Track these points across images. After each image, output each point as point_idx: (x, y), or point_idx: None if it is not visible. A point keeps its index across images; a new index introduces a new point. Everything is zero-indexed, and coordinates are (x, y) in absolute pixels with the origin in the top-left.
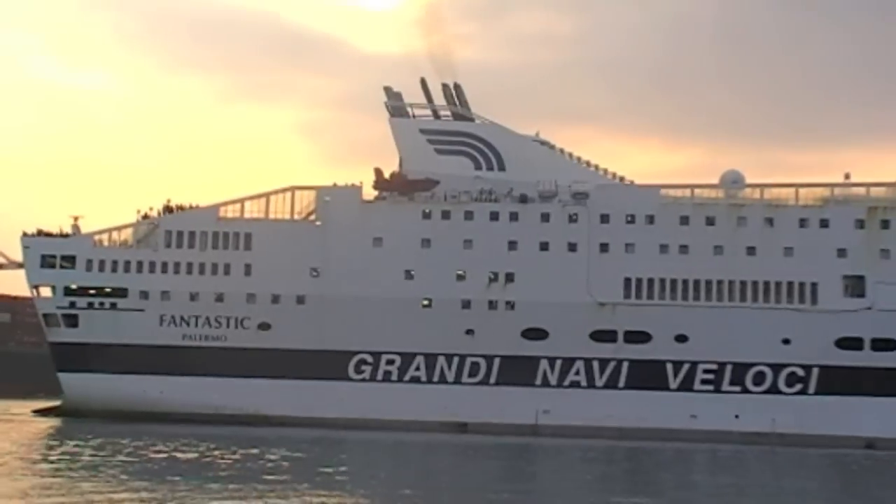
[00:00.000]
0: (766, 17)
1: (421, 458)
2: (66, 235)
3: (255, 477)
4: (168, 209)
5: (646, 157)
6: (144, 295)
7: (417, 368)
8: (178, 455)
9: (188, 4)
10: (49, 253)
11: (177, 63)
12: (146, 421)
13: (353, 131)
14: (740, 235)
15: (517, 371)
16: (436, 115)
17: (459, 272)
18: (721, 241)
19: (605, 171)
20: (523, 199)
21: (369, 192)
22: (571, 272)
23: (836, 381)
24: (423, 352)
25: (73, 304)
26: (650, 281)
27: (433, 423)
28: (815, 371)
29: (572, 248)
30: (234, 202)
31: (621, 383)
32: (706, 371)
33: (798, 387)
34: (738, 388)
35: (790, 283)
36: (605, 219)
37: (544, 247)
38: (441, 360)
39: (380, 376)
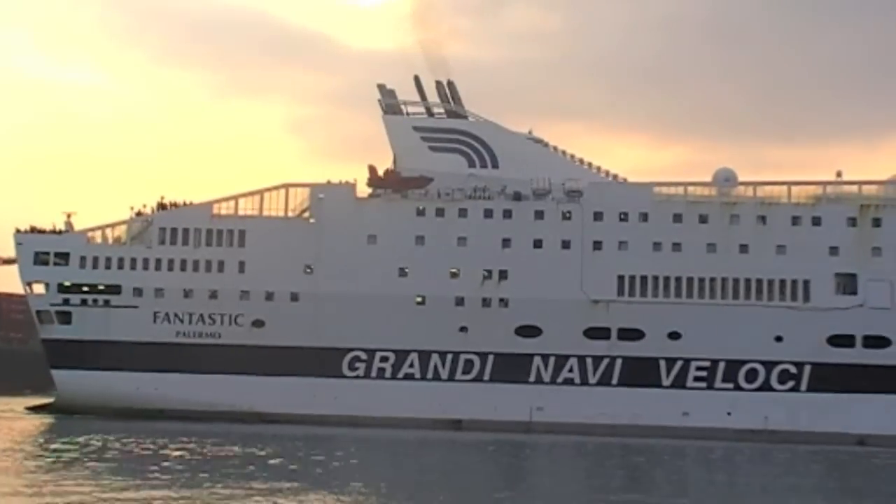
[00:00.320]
0: (756, 14)
1: (415, 455)
2: (60, 232)
3: (243, 475)
4: (162, 206)
5: (633, 153)
6: (138, 292)
7: (411, 365)
8: (167, 452)
9: (177, 1)
10: (42, 250)
11: (167, 59)
12: (140, 418)
13: (343, 127)
14: (733, 233)
15: (511, 368)
16: (429, 113)
17: (453, 269)
18: (714, 239)
19: (599, 168)
20: (517, 197)
21: (363, 190)
22: (565, 269)
23: (829, 379)
24: (417, 349)
25: (66, 301)
26: (643, 278)
27: (427, 420)
28: (808, 368)
29: (566, 245)
30: (227, 199)
31: (615, 380)
32: (699, 368)
33: (790, 384)
34: (730, 386)
35: (783, 281)
36: (598, 216)
37: (538, 244)
38: (435, 358)
39: (374, 373)
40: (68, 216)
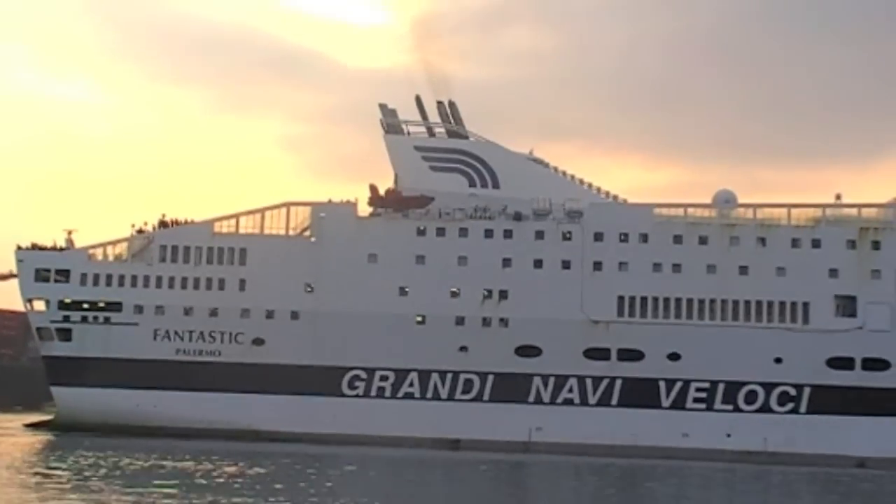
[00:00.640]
0: (755, 36)
1: (413, 475)
2: (61, 249)
3: (239, 492)
4: (163, 224)
5: (627, 173)
6: (139, 309)
7: (411, 384)
8: (163, 470)
9: (173, 17)
10: (43, 267)
11: (163, 75)
12: (139, 435)
13: (339, 146)
14: (733, 254)
15: (510, 388)
16: (430, 133)
17: (454, 289)
18: (714, 260)
19: (599, 189)
20: (517, 217)
21: (364, 209)
22: (565, 290)
23: (828, 401)
24: (417, 368)
25: (66, 318)
26: (643, 299)
27: (426, 440)
28: (807, 390)
29: (566, 265)
30: (228, 217)
31: (614, 401)
32: (698, 389)
33: (789, 406)
34: (730, 407)
35: (782, 303)
36: (598, 237)
37: (538, 264)
38: (435, 377)
39: (373, 392)
40: (69, 233)
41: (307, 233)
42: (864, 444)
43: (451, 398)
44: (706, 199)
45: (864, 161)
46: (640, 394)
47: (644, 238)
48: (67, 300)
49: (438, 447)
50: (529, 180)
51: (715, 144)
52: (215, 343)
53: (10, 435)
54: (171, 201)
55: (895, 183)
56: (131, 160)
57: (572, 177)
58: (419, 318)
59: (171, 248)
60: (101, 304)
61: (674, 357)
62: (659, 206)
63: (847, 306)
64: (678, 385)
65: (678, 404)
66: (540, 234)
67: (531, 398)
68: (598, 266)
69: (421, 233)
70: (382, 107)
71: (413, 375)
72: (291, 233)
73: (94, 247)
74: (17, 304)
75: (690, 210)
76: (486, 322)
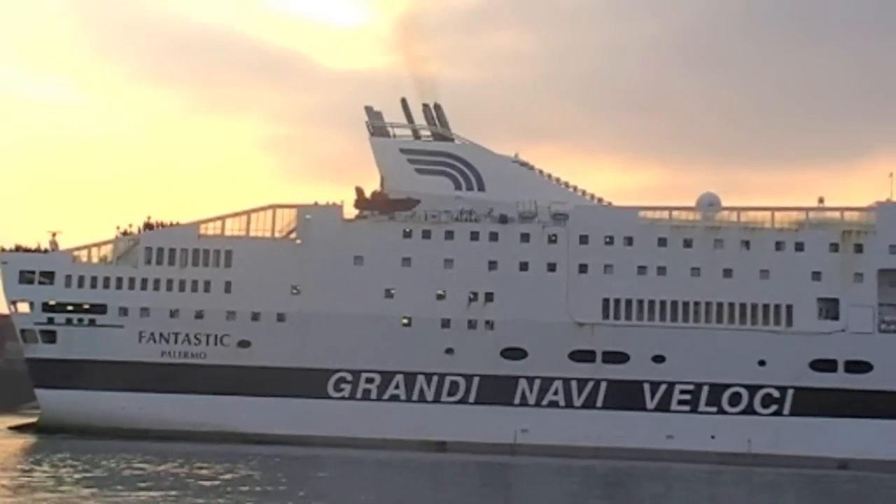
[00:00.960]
0: (735, 38)
1: (399, 477)
2: (45, 251)
3: (225, 495)
4: (148, 226)
5: (605, 175)
6: (124, 311)
7: (397, 387)
8: (146, 471)
9: (154, 18)
10: (28, 268)
11: (143, 76)
12: (124, 438)
13: (320, 147)
14: (717, 257)
15: (496, 390)
16: (416, 135)
17: (439, 291)
18: (698, 263)
19: (584, 192)
20: (503, 220)
21: (350, 211)
22: (551, 292)
23: (811, 403)
24: (403, 370)
25: (51, 320)
26: (628, 302)
27: (412, 442)
28: (790, 392)
29: (552, 268)
30: (214, 219)
31: (599, 403)
32: (683, 391)
33: (773, 408)
34: (714, 409)
35: (766, 305)
36: (584, 240)
37: (524, 267)
38: (420, 379)
39: (359, 394)
40: (53, 235)
41: (293, 235)
42: (846, 445)
43: (437, 400)
44: (686, 201)
45: (848, 163)
46: (625, 396)
47: (629, 241)
48: (52, 302)
49: (424, 449)
50: (515, 183)
51: (695, 146)
52: (201, 345)
53: None
54: (155, 203)
55: (878, 185)
56: (115, 161)
57: (557, 179)
58: (405, 321)
59: (156, 250)
60: (86, 307)
61: (658, 359)
62: (644, 209)
63: (830, 309)
64: (663, 387)
65: (663, 406)
66: (525, 237)
67: (517, 400)
68: (583, 268)
69: (407, 235)
70: (368, 109)
71: (399, 377)
72: (277, 235)
73: (78, 249)
74: None
75: (675, 213)
76: (471, 324)
